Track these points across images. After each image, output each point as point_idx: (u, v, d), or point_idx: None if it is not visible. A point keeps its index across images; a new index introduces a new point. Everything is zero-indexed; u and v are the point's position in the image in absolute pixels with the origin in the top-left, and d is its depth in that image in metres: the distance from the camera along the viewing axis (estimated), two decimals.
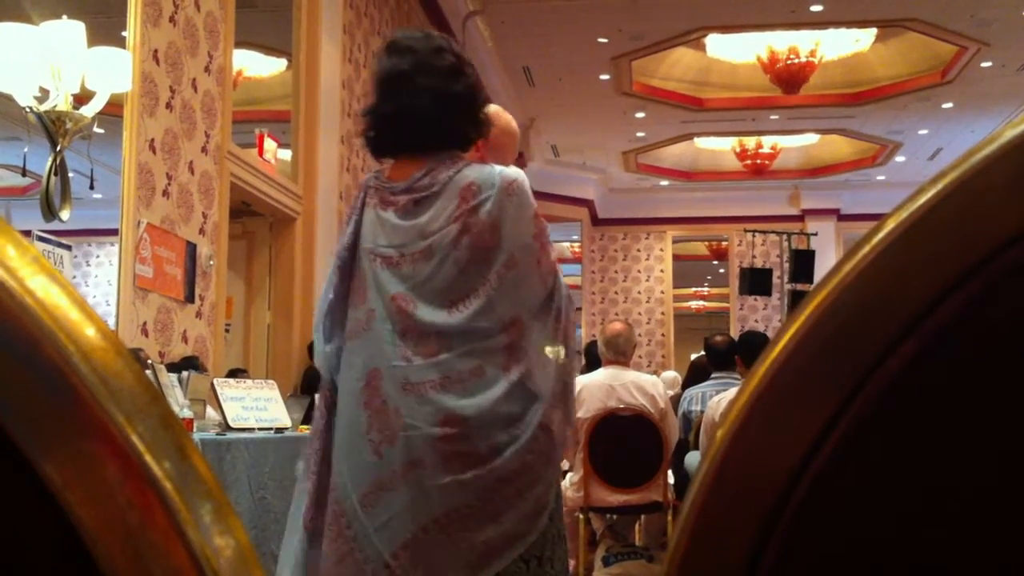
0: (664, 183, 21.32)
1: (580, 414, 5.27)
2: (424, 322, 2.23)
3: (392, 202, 2.33)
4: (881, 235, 0.46)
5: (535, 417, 2.25)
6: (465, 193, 2.29)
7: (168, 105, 6.57)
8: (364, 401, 2.25)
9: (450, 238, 2.26)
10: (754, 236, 17.35)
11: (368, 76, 10.74)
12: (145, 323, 6.22)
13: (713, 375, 6.27)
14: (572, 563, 5.10)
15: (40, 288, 0.39)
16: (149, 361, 4.88)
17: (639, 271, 22.14)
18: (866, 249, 0.46)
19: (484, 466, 2.20)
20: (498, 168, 2.36)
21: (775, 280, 16.62)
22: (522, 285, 2.29)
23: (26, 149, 5.17)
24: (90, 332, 0.39)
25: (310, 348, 8.88)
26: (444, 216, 2.28)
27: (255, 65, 10.56)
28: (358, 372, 2.28)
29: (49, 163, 4.98)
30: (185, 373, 4.79)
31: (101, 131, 5.51)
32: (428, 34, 2.46)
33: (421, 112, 2.34)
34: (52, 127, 4.93)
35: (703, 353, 6.76)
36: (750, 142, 18.84)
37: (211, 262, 7.16)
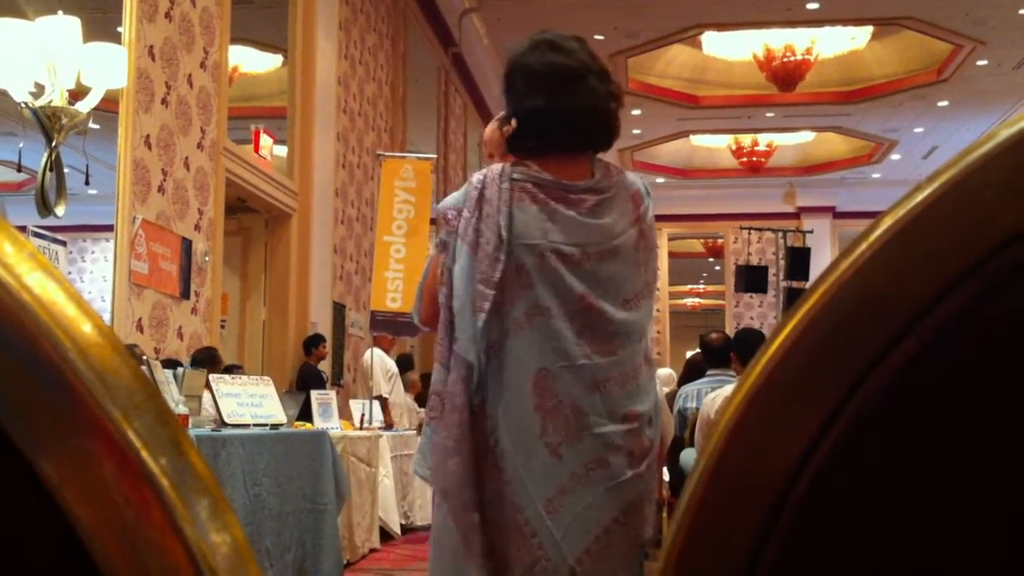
0: (660, 180, 21.31)
1: None
2: (613, 319, 2.22)
3: (571, 200, 2.27)
4: (878, 233, 0.46)
5: (658, 411, 2.35)
6: (635, 198, 2.33)
7: (164, 101, 6.56)
8: (535, 403, 2.17)
9: (633, 240, 2.28)
10: (750, 233, 17.36)
11: (363, 72, 10.73)
12: (140, 319, 6.21)
13: (708, 372, 6.26)
14: None
15: (37, 284, 0.39)
16: (144, 357, 4.87)
17: None
18: (863, 247, 0.46)
19: (649, 457, 2.26)
20: (640, 176, 2.43)
21: (771, 277, 16.63)
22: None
23: (21, 145, 5.17)
24: (87, 328, 0.39)
25: (306, 344, 8.90)
26: (625, 218, 2.29)
27: (251, 61, 10.55)
28: (524, 372, 2.19)
29: (44, 159, 4.97)
30: (180, 369, 4.79)
31: (96, 127, 5.50)
32: (575, 38, 2.42)
33: (598, 109, 2.32)
34: (47, 123, 4.93)
35: (698, 350, 6.76)
36: (746, 140, 18.85)
37: (207, 258, 7.15)
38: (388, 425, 8.64)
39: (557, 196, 2.26)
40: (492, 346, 2.22)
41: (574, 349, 2.18)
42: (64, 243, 5.57)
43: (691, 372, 6.90)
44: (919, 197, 0.46)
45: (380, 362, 8.99)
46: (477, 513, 2.19)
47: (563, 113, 2.30)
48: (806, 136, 19.01)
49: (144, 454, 0.38)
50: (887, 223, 0.46)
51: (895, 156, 19.49)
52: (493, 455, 2.20)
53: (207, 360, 6.48)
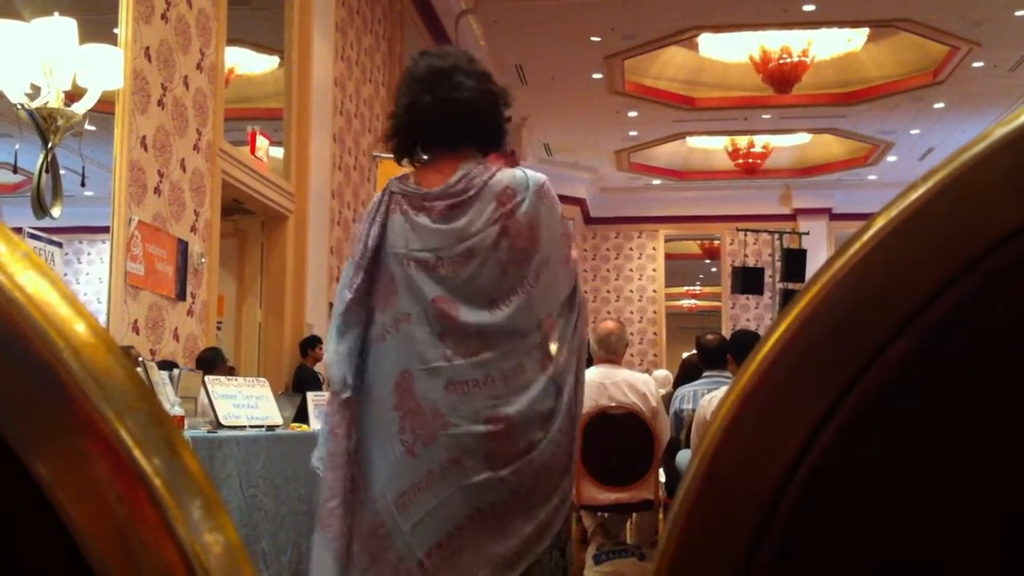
0: (656, 182, 21.35)
1: None
2: (467, 323, 2.26)
3: (426, 207, 2.34)
4: (873, 231, 0.46)
5: (562, 412, 2.33)
6: (502, 196, 2.34)
7: (160, 102, 6.56)
8: (395, 403, 2.26)
9: (490, 240, 2.30)
10: (746, 235, 17.39)
11: (359, 73, 10.73)
12: (136, 320, 6.21)
13: (705, 374, 6.27)
14: None
15: (30, 284, 0.39)
16: (140, 359, 4.87)
17: (631, 270, 22.17)
18: (858, 245, 0.46)
19: (520, 461, 2.25)
20: (528, 171, 2.43)
21: (767, 279, 16.65)
22: (554, 284, 2.37)
23: (17, 146, 5.16)
24: (80, 328, 0.39)
25: (302, 346, 8.89)
26: (483, 219, 2.32)
27: (247, 62, 10.54)
28: (387, 375, 2.29)
29: (40, 160, 4.97)
30: (176, 371, 4.78)
31: (93, 128, 5.49)
32: (455, 48, 2.58)
33: (461, 102, 2.38)
34: (43, 124, 4.92)
35: (695, 352, 6.77)
36: (742, 141, 18.87)
37: (203, 260, 7.15)
38: None
39: (416, 204, 2.36)
40: (365, 351, 2.34)
41: (431, 352, 2.25)
42: (60, 244, 5.56)
43: (687, 373, 6.91)
44: (914, 195, 0.46)
45: None
46: (341, 508, 2.30)
47: (421, 109, 2.40)
48: (802, 138, 19.03)
49: (137, 454, 0.38)
50: (881, 222, 0.46)
51: (891, 158, 19.52)
52: (358, 454, 2.32)
53: (212, 361, 6.49)
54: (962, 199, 0.44)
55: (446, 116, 2.39)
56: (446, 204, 2.34)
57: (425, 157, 2.45)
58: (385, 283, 2.35)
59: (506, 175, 2.38)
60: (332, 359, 2.37)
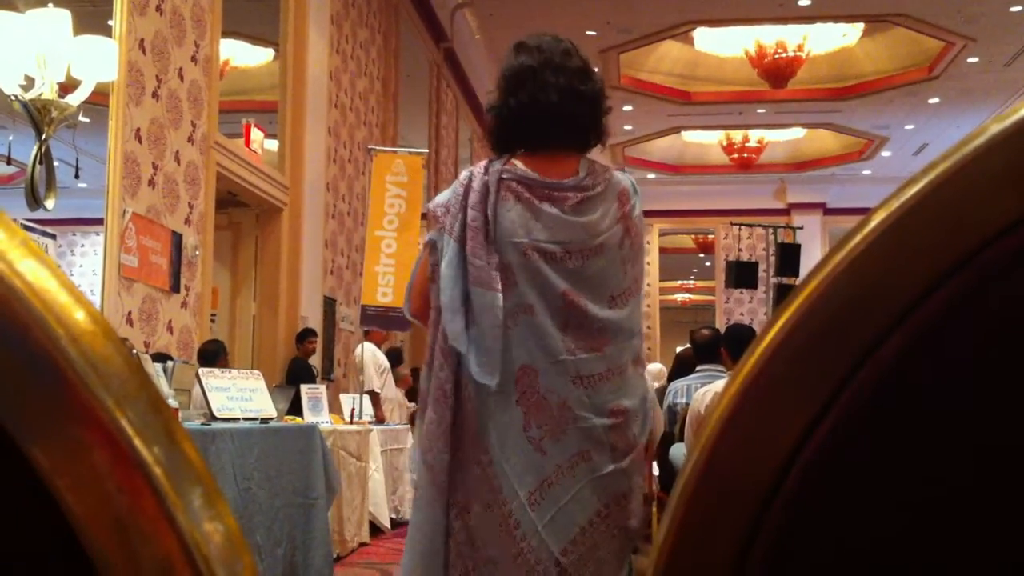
0: (651, 176, 21.34)
1: None
2: (596, 316, 2.24)
3: (555, 198, 2.29)
4: (872, 225, 0.46)
5: (648, 408, 2.36)
6: (622, 196, 2.33)
7: (154, 94, 6.54)
8: (517, 398, 2.21)
9: (618, 238, 2.30)
10: (740, 229, 17.38)
11: (355, 67, 10.72)
12: (130, 313, 6.20)
13: (698, 368, 6.27)
14: None
15: (29, 271, 0.39)
16: (134, 351, 4.86)
17: None
18: (856, 239, 0.46)
19: (633, 452, 2.28)
20: (628, 176, 2.43)
21: (761, 273, 16.66)
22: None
23: (11, 138, 5.15)
24: (79, 316, 0.39)
25: (298, 338, 8.87)
26: (610, 216, 2.30)
27: (242, 55, 10.52)
28: (508, 369, 2.22)
29: (34, 152, 4.96)
30: (170, 363, 4.78)
31: (87, 120, 5.48)
32: (558, 37, 2.46)
33: (546, 106, 2.32)
34: (37, 116, 4.91)
35: (688, 346, 6.77)
36: (737, 136, 18.88)
37: (197, 252, 7.14)
38: (379, 420, 8.63)
39: (542, 194, 2.29)
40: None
41: (557, 345, 2.21)
42: (54, 236, 5.55)
43: (681, 368, 6.91)
44: (913, 190, 0.46)
45: (372, 357, 8.98)
46: (446, 493, 2.25)
47: (510, 110, 2.35)
48: (797, 132, 19.04)
49: (137, 443, 0.38)
50: (880, 216, 0.46)
51: (886, 153, 19.53)
52: (480, 451, 2.23)
53: (215, 353, 6.49)
54: (960, 194, 0.44)
55: (531, 120, 2.34)
56: (579, 197, 2.29)
57: (521, 150, 2.37)
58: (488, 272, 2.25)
59: (619, 175, 2.38)
60: (458, 336, 2.24)
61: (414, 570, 2.30)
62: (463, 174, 2.39)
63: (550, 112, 2.32)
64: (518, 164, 2.33)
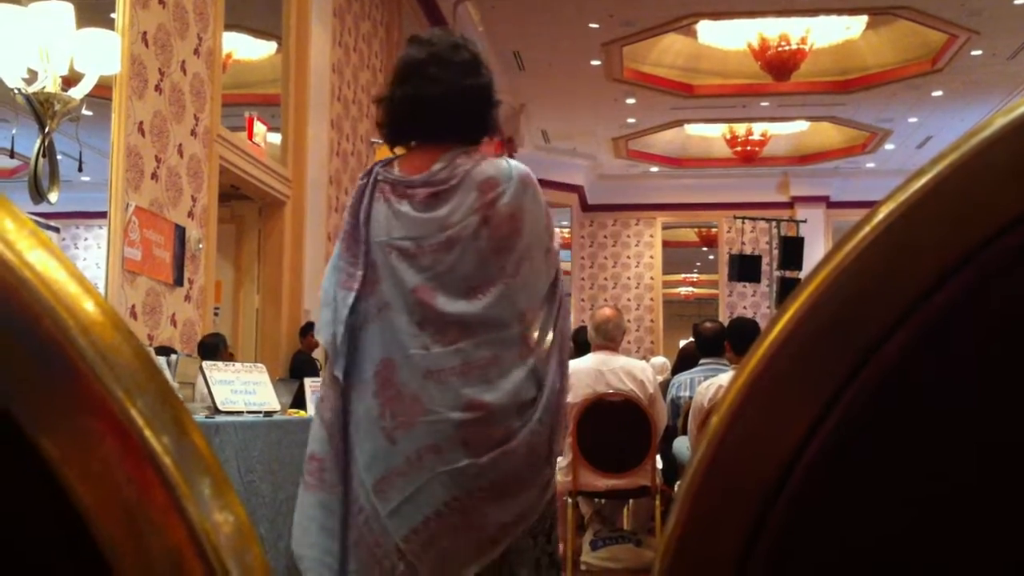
0: (654, 169, 21.33)
1: (569, 399, 5.28)
2: (445, 312, 2.28)
3: (409, 195, 2.36)
4: (879, 219, 0.46)
5: (543, 402, 2.33)
6: (483, 186, 2.34)
7: (157, 88, 6.54)
8: (376, 389, 2.28)
9: (471, 229, 2.31)
10: (744, 223, 17.37)
11: (357, 60, 10.71)
12: (133, 306, 6.21)
13: (702, 361, 6.28)
14: (560, 547, 5.12)
15: (38, 262, 0.39)
16: None
17: (628, 257, 22.17)
18: (864, 232, 0.46)
19: (499, 448, 2.26)
20: (512, 162, 2.44)
21: (764, 267, 16.65)
22: (536, 275, 2.38)
23: (14, 131, 5.15)
24: (89, 306, 0.39)
25: (302, 331, 8.87)
26: (464, 208, 2.32)
27: (245, 48, 10.51)
28: (369, 362, 2.31)
29: (37, 145, 4.96)
30: (174, 356, 4.78)
31: (90, 113, 5.48)
32: (450, 31, 2.54)
33: (430, 100, 2.38)
34: (40, 109, 4.91)
35: (692, 340, 6.78)
36: (740, 129, 18.85)
37: (200, 245, 7.14)
38: None
39: (400, 192, 2.38)
40: (351, 338, 2.34)
41: (409, 340, 2.28)
42: (57, 230, 5.56)
43: (685, 361, 6.92)
44: (920, 182, 0.46)
45: None
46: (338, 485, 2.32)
47: (396, 102, 2.43)
48: (800, 126, 19.01)
49: (147, 433, 0.38)
50: (888, 208, 0.46)
51: (889, 146, 19.50)
52: (347, 441, 2.33)
53: (215, 346, 6.49)
54: (965, 187, 0.44)
55: (416, 113, 2.41)
56: (428, 192, 2.35)
57: (413, 143, 2.47)
58: (367, 271, 2.36)
59: (490, 165, 2.39)
60: (332, 345, 2.38)
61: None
62: (360, 177, 2.52)
63: (432, 105, 2.38)
64: (394, 164, 2.44)
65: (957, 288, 0.44)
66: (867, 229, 0.47)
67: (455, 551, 2.26)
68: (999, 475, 0.45)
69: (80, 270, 0.39)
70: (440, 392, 2.25)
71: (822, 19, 14.24)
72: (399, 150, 2.52)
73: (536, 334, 2.36)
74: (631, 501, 5.99)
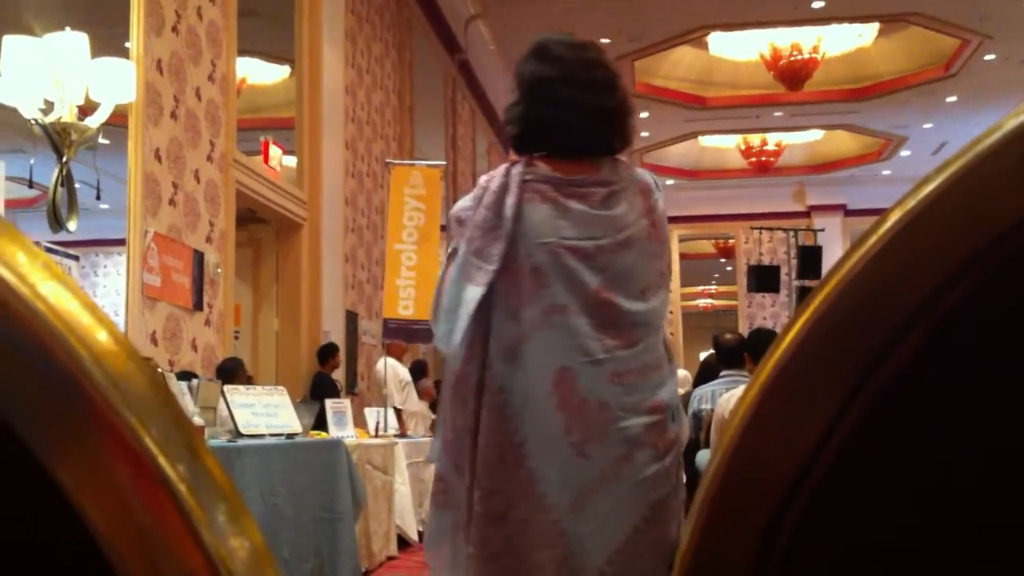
0: (669, 182, 21.29)
1: None
2: (627, 311, 2.21)
3: (581, 194, 2.27)
4: (887, 225, 0.46)
5: (677, 403, 2.32)
6: (644, 191, 2.33)
7: (172, 114, 6.58)
8: (557, 403, 2.16)
9: (644, 230, 2.28)
10: (761, 233, 17.34)
11: (370, 81, 10.76)
12: (154, 332, 6.23)
13: (723, 373, 6.25)
14: None
15: (51, 294, 0.39)
16: (159, 370, 4.88)
17: None
18: (873, 240, 0.46)
19: (672, 452, 2.23)
20: (649, 172, 2.43)
21: (783, 277, 16.60)
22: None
23: (32, 161, 5.19)
24: (102, 336, 0.39)
25: (319, 353, 8.89)
26: (636, 210, 2.29)
27: (258, 72, 10.58)
28: (542, 373, 2.17)
29: (55, 174, 4.99)
30: (195, 381, 4.80)
31: (106, 141, 5.52)
32: (581, 44, 2.41)
33: (567, 124, 2.30)
34: (57, 138, 4.95)
35: (713, 351, 6.75)
36: (755, 139, 18.83)
37: (218, 270, 7.17)
38: (402, 433, 8.65)
39: (568, 192, 2.26)
40: (511, 350, 2.20)
41: (594, 344, 2.17)
42: (77, 258, 5.59)
43: (706, 373, 6.89)
44: (927, 189, 0.46)
45: (393, 372, 8.99)
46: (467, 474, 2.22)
47: (527, 122, 2.33)
48: (815, 134, 18.98)
49: (161, 460, 0.38)
50: (896, 216, 0.46)
51: (905, 152, 19.45)
52: (520, 456, 2.17)
53: (232, 371, 6.50)
54: (973, 192, 0.44)
55: (549, 135, 2.32)
56: (605, 192, 2.27)
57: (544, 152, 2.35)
58: (526, 274, 2.22)
59: (640, 171, 2.39)
60: (444, 335, 2.24)
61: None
62: (482, 178, 2.37)
63: (570, 128, 2.29)
64: (540, 165, 2.30)
65: (967, 289, 0.44)
66: (875, 237, 0.47)
67: (654, 565, 2.18)
68: (1011, 473, 0.45)
69: (94, 300, 0.40)
70: (628, 396, 2.17)
71: (833, 28, 14.23)
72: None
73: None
74: None
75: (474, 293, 2.19)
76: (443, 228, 8.43)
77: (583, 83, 2.31)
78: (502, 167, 2.35)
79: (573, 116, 2.28)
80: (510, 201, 2.24)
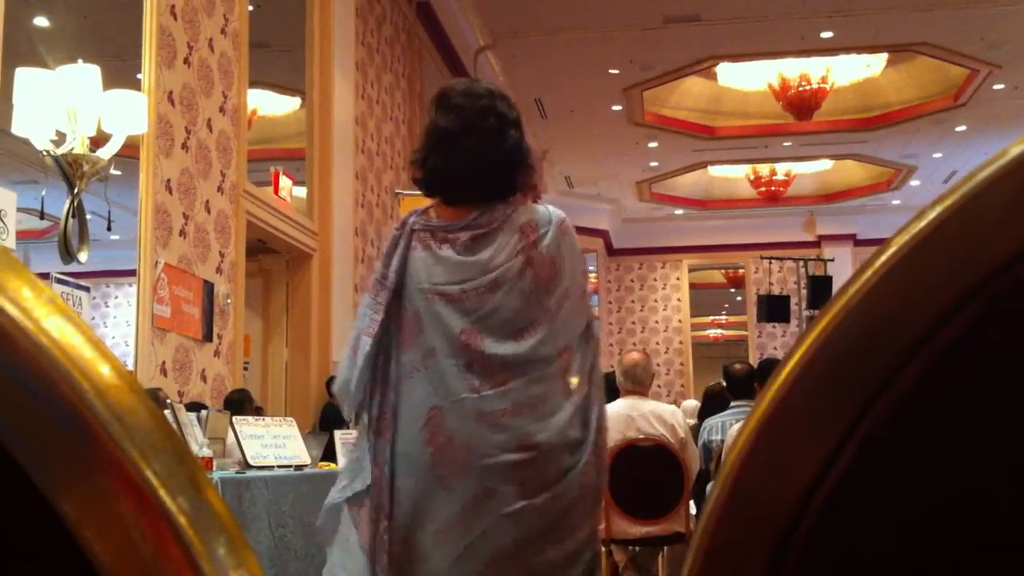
0: (679, 212, 21.34)
1: None
2: (492, 354, 2.29)
3: (450, 239, 2.39)
4: (885, 257, 0.47)
5: (590, 443, 2.35)
6: (525, 228, 2.39)
7: (184, 145, 6.63)
8: (427, 439, 2.29)
9: (515, 271, 2.35)
10: (771, 263, 17.33)
11: (380, 111, 10.82)
12: (164, 362, 6.24)
13: (733, 404, 6.24)
14: None
15: (55, 328, 0.40)
16: (168, 400, 4.89)
17: (656, 300, 22.12)
18: (869, 272, 0.47)
19: (551, 489, 2.27)
20: (551, 207, 2.49)
21: (793, 307, 16.58)
22: (573, 316, 2.42)
23: (44, 192, 5.22)
24: (104, 370, 0.40)
25: (327, 384, 8.89)
26: (507, 250, 2.37)
27: (269, 104, 10.64)
28: (417, 411, 2.31)
29: (67, 206, 5.02)
30: (204, 412, 4.80)
31: (118, 173, 5.56)
32: (478, 92, 2.50)
33: (460, 170, 2.41)
34: (69, 170, 4.98)
35: (716, 381, 6.74)
36: (764, 169, 18.85)
37: (228, 300, 7.19)
38: None
39: (440, 238, 2.40)
40: (390, 390, 2.35)
41: (458, 384, 2.28)
42: (87, 289, 5.61)
43: (710, 402, 6.88)
44: (925, 220, 0.46)
45: None
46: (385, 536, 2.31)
47: (428, 169, 2.45)
48: (824, 164, 19.00)
49: (162, 493, 0.38)
50: (894, 247, 0.47)
51: (914, 182, 19.45)
52: (392, 493, 2.31)
53: (240, 402, 6.50)
54: (970, 222, 0.45)
55: (448, 181, 2.45)
56: (470, 236, 2.38)
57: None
58: (409, 319, 2.37)
59: (529, 210, 2.44)
60: (351, 398, 2.41)
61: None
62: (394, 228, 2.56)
63: (456, 176, 2.42)
64: (431, 213, 2.47)
65: (965, 321, 0.45)
66: (875, 267, 0.47)
67: None
68: (1015, 504, 0.45)
69: (104, 332, 0.40)
70: (493, 434, 2.25)
71: (842, 58, 14.27)
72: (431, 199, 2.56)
73: (575, 376, 2.38)
74: (666, 548, 5.93)
75: (366, 344, 2.37)
76: None
77: (477, 131, 2.42)
78: (403, 216, 2.52)
79: (459, 164, 2.41)
80: (398, 252, 2.41)
